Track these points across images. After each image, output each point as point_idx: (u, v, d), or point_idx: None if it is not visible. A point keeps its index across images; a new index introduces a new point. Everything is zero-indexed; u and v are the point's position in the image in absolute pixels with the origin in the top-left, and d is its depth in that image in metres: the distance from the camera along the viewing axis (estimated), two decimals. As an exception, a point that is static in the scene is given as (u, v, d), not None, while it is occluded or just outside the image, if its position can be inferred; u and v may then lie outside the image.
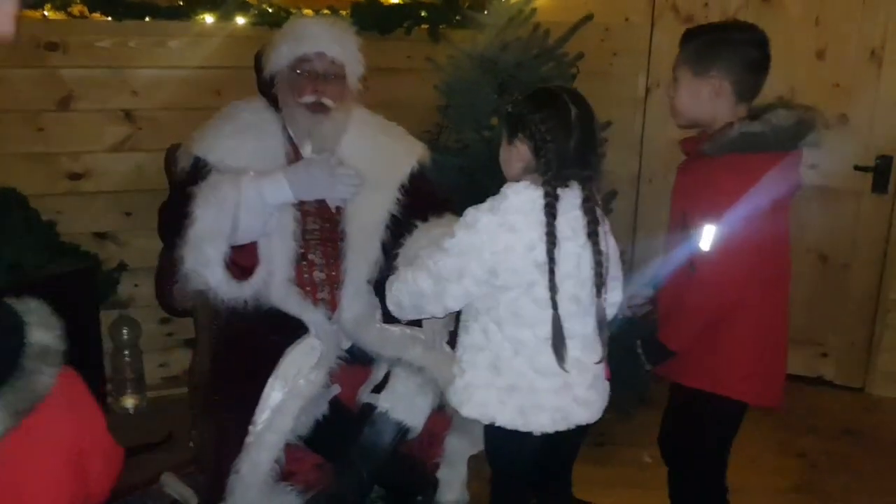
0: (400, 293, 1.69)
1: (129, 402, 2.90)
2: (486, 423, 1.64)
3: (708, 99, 1.77)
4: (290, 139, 2.16)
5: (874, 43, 3.02)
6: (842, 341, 3.28)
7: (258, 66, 2.20)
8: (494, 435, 1.66)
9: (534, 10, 2.95)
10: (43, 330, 1.03)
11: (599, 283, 1.60)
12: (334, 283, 2.13)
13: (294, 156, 2.15)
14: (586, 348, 1.65)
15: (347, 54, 2.09)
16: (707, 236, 1.69)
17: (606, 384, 1.73)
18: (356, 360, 2.09)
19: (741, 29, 1.82)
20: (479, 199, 2.59)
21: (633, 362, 1.85)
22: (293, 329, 2.03)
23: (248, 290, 1.99)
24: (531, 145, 1.55)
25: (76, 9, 2.69)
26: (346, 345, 2.11)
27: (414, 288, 1.66)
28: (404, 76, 3.05)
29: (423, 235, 2.07)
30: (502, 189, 1.61)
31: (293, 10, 2.91)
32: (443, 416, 2.07)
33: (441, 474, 2.19)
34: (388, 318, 2.11)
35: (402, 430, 2.02)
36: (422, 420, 2.04)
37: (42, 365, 1.00)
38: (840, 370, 3.31)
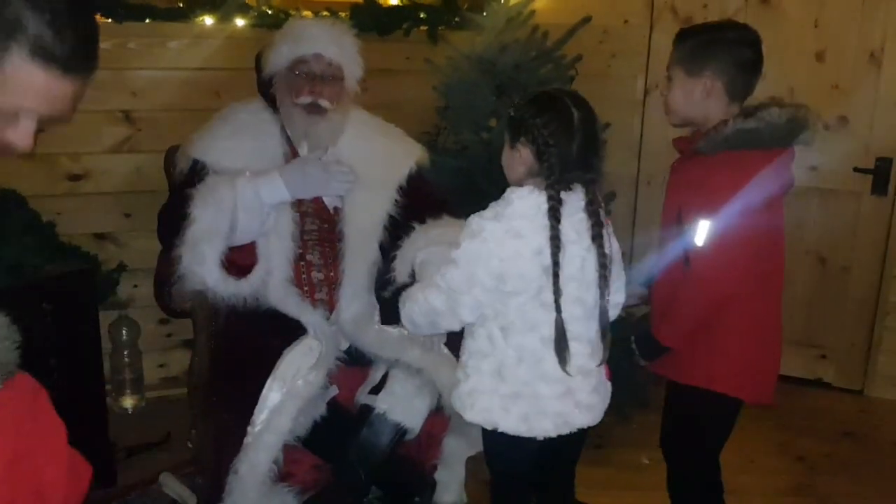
0: (412, 312, 1.68)
1: (129, 402, 2.90)
2: (490, 428, 1.64)
3: (700, 98, 1.78)
4: (288, 139, 2.17)
5: (873, 44, 3.02)
6: (841, 343, 3.28)
7: (258, 66, 2.20)
8: (496, 440, 1.66)
9: (532, 12, 2.96)
10: None
11: (603, 285, 1.60)
12: (332, 284, 2.13)
13: (292, 156, 2.15)
14: (590, 352, 1.65)
15: (345, 56, 2.09)
16: (702, 231, 1.70)
17: (608, 386, 1.73)
18: (354, 362, 2.09)
19: (734, 29, 1.83)
20: (478, 200, 2.58)
21: (628, 360, 1.86)
22: (292, 330, 2.03)
23: (247, 288, 1.99)
24: (534, 149, 1.55)
25: (76, 10, 2.69)
26: (345, 346, 2.11)
27: (426, 306, 1.65)
28: (403, 77, 3.06)
29: (420, 237, 2.07)
30: (505, 194, 1.60)
31: (292, 12, 2.91)
32: (441, 417, 2.08)
33: (439, 475, 2.19)
34: (386, 318, 2.12)
35: (400, 432, 2.03)
36: (420, 421, 2.05)
37: None
38: (839, 372, 3.31)
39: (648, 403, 2.77)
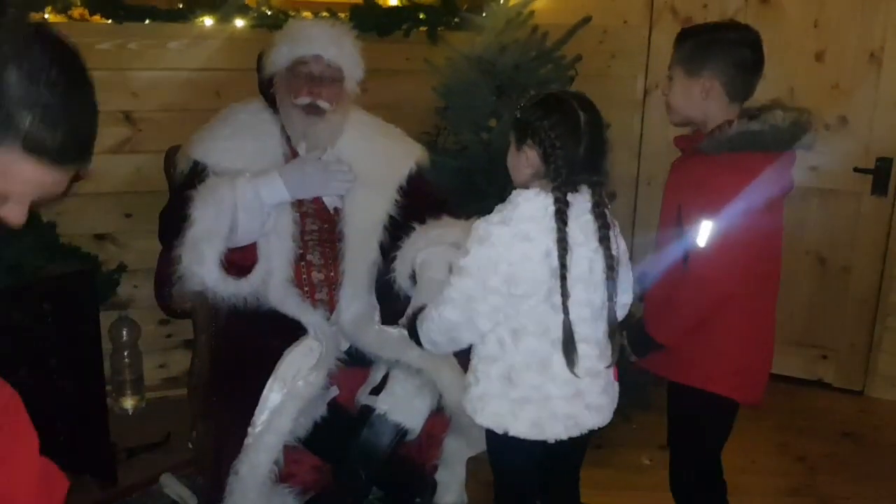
0: (430, 332, 1.67)
1: (129, 402, 2.90)
2: (500, 432, 1.64)
3: (699, 98, 1.79)
4: (288, 140, 2.17)
5: (873, 45, 3.02)
6: (841, 344, 3.28)
7: (259, 66, 2.21)
8: (504, 443, 1.65)
9: (532, 13, 2.96)
10: None
11: (611, 286, 1.60)
12: (333, 284, 2.13)
13: (292, 156, 2.16)
14: (598, 353, 1.65)
15: (344, 57, 2.09)
16: (704, 232, 1.70)
17: (616, 386, 1.73)
18: (355, 362, 2.09)
19: (734, 30, 1.83)
20: (478, 200, 2.60)
21: (623, 358, 1.85)
22: (292, 330, 2.03)
23: (247, 289, 1.99)
24: (540, 151, 1.55)
25: (77, 12, 2.70)
26: (345, 346, 2.11)
27: (443, 323, 1.63)
28: (403, 78, 3.05)
29: (421, 237, 2.08)
30: (511, 197, 1.59)
31: (292, 13, 2.91)
32: (441, 417, 2.08)
33: (439, 476, 2.19)
34: (387, 319, 2.13)
35: (401, 432, 2.03)
36: (420, 422, 2.05)
37: None
38: (840, 373, 3.31)
39: (649, 404, 2.77)
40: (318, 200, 2.17)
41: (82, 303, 2.36)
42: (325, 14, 2.94)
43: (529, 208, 1.55)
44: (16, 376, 2.17)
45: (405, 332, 2.05)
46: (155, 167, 2.62)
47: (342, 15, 2.97)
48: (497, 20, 2.95)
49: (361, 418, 2.03)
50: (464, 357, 1.76)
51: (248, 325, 2.04)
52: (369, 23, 2.97)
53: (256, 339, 2.02)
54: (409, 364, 2.01)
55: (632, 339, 1.86)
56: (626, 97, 3.33)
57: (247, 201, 1.98)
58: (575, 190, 1.56)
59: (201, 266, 1.92)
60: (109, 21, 2.72)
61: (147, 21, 2.76)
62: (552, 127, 1.53)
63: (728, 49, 1.76)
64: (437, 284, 2.00)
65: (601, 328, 1.65)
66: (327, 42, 2.07)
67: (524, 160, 1.58)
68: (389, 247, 2.13)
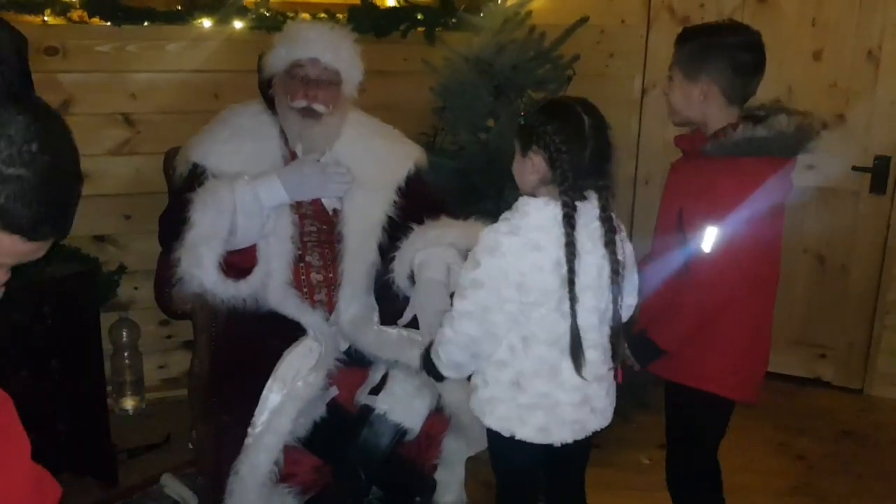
0: (450, 354, 1.64)
1: (129, 403, 2.91)
2: (507, 436, 1.64)
3: (698, 101, 1.79)
4: (286, 141, 2.17)
5: (871, 43, 3.02)
6: (840, 342, 3.28)
7: (259, 67, 2.21)
8: (508, 445, 1.66)
9: (529, 13, 2.96)
10: None
11: (616, 290, 1.61)
12: (332, 285, 2.14)
13: (291, 158, 2.16)
14: (604, 358, 1.66)
15: (341, 61, 2.09)
16: (709, 238, 1.70)
17: (614, 386, 1.74)
18: (354, 362, 2.09)
19: (734, 32, 1.81)
20: (476, 200, 2.61)
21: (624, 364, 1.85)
22: (291, 331, 2.03)
23: (246, 290, 2.00)
24: (546, 156, 1.54)
25: (76, 14, 2.70)
26: (344, 347, 2.11)
27: (462, 339, 1.61)
28: (400, 78, 3.06)
29: (419, 238, 2.08)
30: (519, 205, 1.59)
31: (290, 14, 2.92)
32: (440, 417, 2.08)
33: (439, 476, 2.19)
34: (386, 319, 2.13)
35: (400, 432, 2.03)
36: (420, 422, 2.05)
37: None
38: (839, 371, 3.31)
39: (648, 404, 2.77)
40: (316, 202, 2.17)
41: (82, 304, 2.37)
42: (322, 15, 2.94)
43: (539, 218, 1.55)
44: (16, 378, 2.19)
45: (404, 333, 2.06)
46: (154, 169, 2.62)
47: (340, 16, 2.97)
48: (494, 20, 2.96)
49: (361, 418, 2.04)
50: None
51: (247, 326, 2.05)
52: (367, 23, 2.98)
53: (256, 339, 2.02)
54: (408, 364, 2.01)
55: (634, 349, 1.85)
56: (624, 97, 3.34)
57: (246, 204, 1.98)
58: (583, 197, 1.56)
59: (200, 269, 1.93)
60: (108, 23, 2.73)
61: (146, 23, 2.77)
62: (556, 131, 1.53)
63: (726, 53, 1.75)
64: (436, 285, 2.02)
65: (606, 332, 1.66)
66: (324, 45, 2.07)
67: (530, 166, 1.58)
68: (388, 248, 2.13)
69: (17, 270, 1.07)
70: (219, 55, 2.86)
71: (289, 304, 2.06)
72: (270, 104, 2.17)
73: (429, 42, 3.14)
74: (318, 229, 2.18)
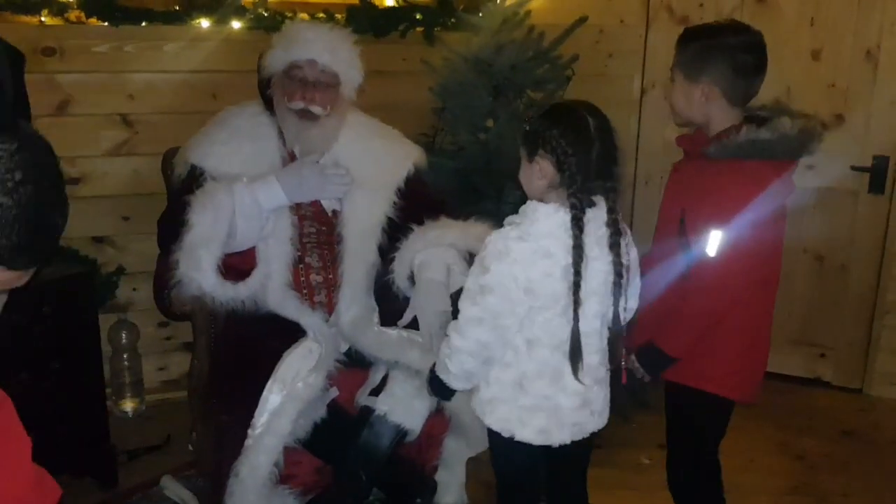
0: (461, 363, 1.62)
1: (129, 405, 2.90)
2: (507, 437, 1.64)
3: (700, 102, 1.79)
4: (285, 142, 2.17)
5: (870, 43, 3.02)
6: (840, 342, 3.28)
7: (259, 67, 2.20)
8: (511, 446, 1.66)
9: (528, 13, 2.96)
10: None
11: (618, 293, 1.61)
12: (331, 287, 2.13)
13: (290, 159, 2.15)
14: (604, 361, 1.67)
15: (340, 62, 2.08)
16: (713, 242, 1.69)
17: (608, 390, 1.74)
18: (354, 363, 2.09)
19: (735, 33, 1.80)
20: (475, 200, 2.60)
21: (630, 377, 1.85)
22: (291, 332, 2.03)
23: (245, 292, 1.99)
24: (553, 160, 1.54)
25: (73, 14, 2.69)
26: (344, 348, 2.11)
27: (473, 346, 1.60)
28: (400, 79, 3.05)
29: (419, 238, 2.08)
30: (527, 210, 1.58)
31: (289, 14, 2.91)
32: (441, 418, 2.08)
33: (439, 476, 2.19)
34: (386, 320, 2.13)
35: (401, 433, 2.03)
36: (420, 422, 2.05)
37: None
38: (838, 371, 3.32)
39: (648, 404, 2.78)
40: (316, 203, 2.17)
41: (81, 306, 2.36)
42: (321, 15, 2.93)
43: (549, 224, 1.55)
44: (16, 379, 2.19)
45: (404, 334, 2.06)
46: (152, 169, 2.62)
47: (339, 16, 2.97)
48: (493, 20, 2.96)
49: (361, 419, 2.04)
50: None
51: (247, 328, 2.04)
52: (366, 23, 2.97)
53: (256, 341, 2.02)
54: (408, 365, 2.01)
55: (643, 360, 1.84)
56: (623, 97, 3.34)
57: (245, 206, 1.98)
58: (591, 203, 1.55)
59: (198, 272, 1.92)
60: (106, 23, 2.72)
61: (143, 23, 2.76)
62: (563, 134, 1.53)
63: (728, 54, 1.75)
64: (436, 285, 2.01)
65: (606, 335, 1.66)
66: (322, 47, 2.07)
67: (537, 172, 1.57)
68: (388, 248, 2.13)
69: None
70: (217, 55, 2.86)
71: (288, 306, 2.05)
72: (269, 104, 2.17)
73: (428, 42, 3.14)
74: (317, 230, 2.17)
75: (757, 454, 2.76)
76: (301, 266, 2.12)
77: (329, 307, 2.12)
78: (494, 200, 2.61)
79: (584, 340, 1.57)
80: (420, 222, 2.11)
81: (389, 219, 2.16)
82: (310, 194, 2.09)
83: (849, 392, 3.28)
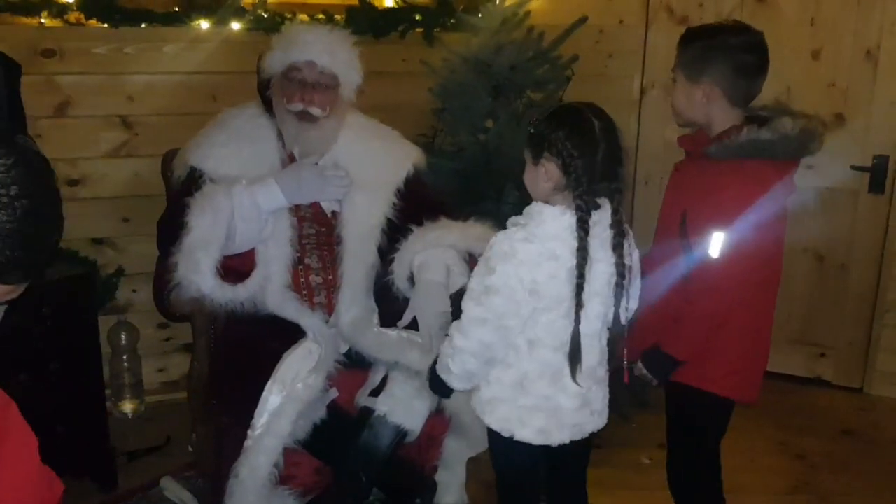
0: (464, 363, 1.62)
1: (128, 406, 2.90)
2: (506, 436, 1.65)
3: (701, 103, 1.79)
4: (285, 143, 2.17)
5: (870, 43, 3.02)
6: (840, 341, 3.28)
7: (259, 68, 2.21)
8: (511, 446, 1.66)
9: (528, 13, 2.96)
10: None
11: (619, 294, 1.61)
12: (331, 288, 2.14)
13: (289, 161, 2.15)
14: (603, 361, 1.67)
15: (339, 64, 2.08)
16: (716, 243, 1.69)
17: (607, 390, 1.74)
18: (354, 364, 2.09)
19: (736, 33, 1.80)
20: (475, 201, 2.60)
21: (636, 380, 1.84)
22: (291, 333, 2.03)
23: (244, 294, 1.99)
24: (559, 162, 1.54)
25: (73, 16, 2.69)
26: (344, 349, 2.11)
27: (475, 346, 1.59)
28: (399, 79, 3.05)
29: (418, 239, 2.08)
30: (533, 212, 1.58)
31: (288, 15, 2.91)
32: (441, 418, 2.08)
33: (439, 477, 2.19)
34: (385, 321, 2.13)
35: (401, 434, 2.03)
36: (420, 423, 2.04)
37: None
38: (838, 370, 3.31)
39: (648, 404, 2.78)
40: (315, 204, 2.17)
41: (81, 307, 2.36)
42: (320, 16, 2.93)
43: (556, 226, 1.54)
44: (15, 380, 2.19)
45: (404, 335, 2.06)
46: (152, 171, 2.62)
47: (338, 17, 2.97)
48: (493, 21, 2.96)
49: (361, 420, 2.03)
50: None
51: (246, 329, 2.04)
52: (365, 24, 2.97)
53: (255, 342, 2.02)
54: (408, 366, 2.01)
55: (650, 365, 1.84)
56: (623, 97, 3.34)
57: (244, 209, 1.98)
58: (596, 206, 1.55)
59: (197, 274, 1.92)
60: (106, 25, 2.72)
61: (143, 25, 2.76)
62: (568, 137, 1.53)
63: (729, 55, 1.75)
64: (436, 286, 2.01)
65: (605, 336, 1.67)
66: (321, 49, 2.06)
67: (543, 174, 1.57)
68: (387, 249, 2.13)
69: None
70: (216, 57, 2.86)
71: (288, 307, 2.05)
72: (268, 106, 2.17)
73: (427, 43, 3.14)
74: (317, 232, 2.17)
75: (757, 454, 2.76)
76: (301, 267, 2.12)
77: (329, 308, 2.12)
78: (494, 201, 2.61)
79: (584, 342, 1.57)
80: (419, 223, 2.11)
81: (389, 220, 2.16)
82: (309, 196, 2.09)
83: (849, 391, 3.28)
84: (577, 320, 1.55)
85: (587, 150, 1.52)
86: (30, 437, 1.07)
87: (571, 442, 1.65)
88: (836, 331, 3.28)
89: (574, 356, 1.57)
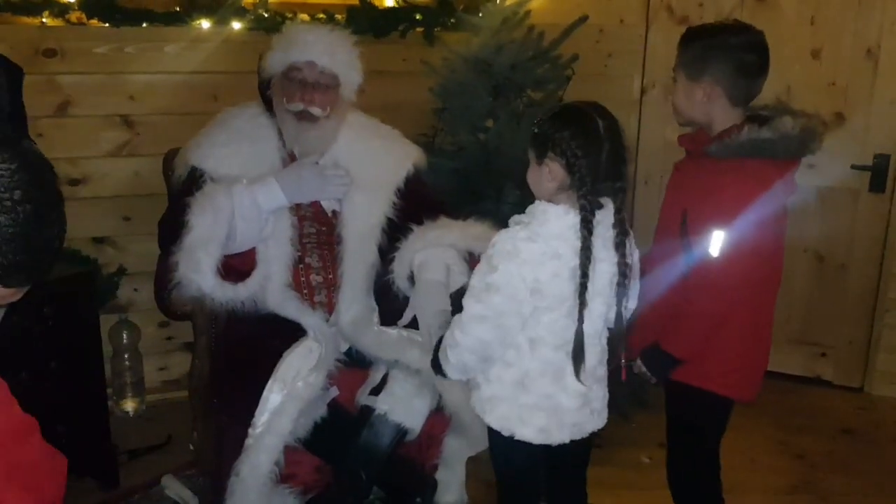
0: (460, 357, 1.62)
1: (130, 405, 2.91)
2: (507, 435, 1.65)
3: (702, 102, 1.79)
4: (285, 143, 2.17)
5: (870, 42, 3.02)
6: (840, 341, 3.28)
7: (259, 68, 2.21)
8: (511, 445, 1.66)
9: (528, 13, 2.96)
10: None
11: (621, 293, 1.61)
12: (332, 287, 2.14)
13: (290, 160, 2.16)
14: (603, 360, 1.68)
15: (339, 64, 2.08)
16: (716, 242, 1.69)
17: (607, 389, 1.74)
18: (354, 363, 2.10)
19: (737, 33, 1.80)
20: (475, 201, 2.60)
21: (635, 378, 1.84)
22: (291, 332, 2.03)
23: (244, 293, 2.00)
24: (563, 162, 1.53)
25: (74, 15, 2.70)
26: (345, 347, 2.11)
27: (473, 343, 1.60)
28: (399, 79, 3.06)
29: (418, 239, 2.08)
30: (536, 211, 1.58)
31: (289, 15, 2.92)
32: (441, 417, 2.08)
33: (439, 475, 2.19)
34: (385, 320, 2.13)
35: (401, 432, 2.03)
36: (420, 422, 2.05)
37: None
38: (838, 370, 3.32)
39: (648, 403, 2.78)
40: (315, 204, 2.17)
41: (82, 306, 2.37)
42: (321, 16, 2.94)
43: (559, 226, 1.54)
44: (16, 379, 2.19)
45: (404, 333, 2.07)
46: (153, 170, 2.63)
47: (339, 16, 2.97)
48: (493, 20, 2.96)
49: (361, 419, 2.04)
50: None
51: (247, 327, 2.05)
52: (366, 24, 2.98)
53: (256, 340, 2.02)
54: (408, 364, 2.02)
55: (650, 364, 1.84)
56: (623, 97, 3.34)
57: (244, 208, 1.98)
58: (600, 205, 1.55)
59: (198, 273, 1.93)
60: (107, 25, 2.73)
61: (144, 24, 2.77)
62: (573, 136, 1.52)
63: (729, 54, 1.75)
64: (436, 285, 2.02)
65: (605, 334, 1.67)
66: (321, 49, 2.07)
67: (546, 174, 1.57)
68: (387, 249, 2.13)
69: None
70: (217, 56, 2.86)
71: (289, 306, 2.06)
72: (269, 106, 2.17)
73: (428, 42, 3.14)
74: (317, 231, 2.18)
75: (757, 453, 2.76)
76: (301, 266, 2.13)
77: (329, 307, 2.12)
78: (494, 200, 2.61)
79: (586, 341, 1.58)
80: (420, 222, 2.12)
81: (389, 219, 2.17)
82: (309, 195, 2.10)
83: (849, 391, 3.28)
84: (581, 319, 1.55)
85: (591, 149, 1.52)
86: (25, 420, 1.09)
87: (571, 441, 1.66)
88: (836, 330, 3.28)
89: (578, 355, 1.57)
